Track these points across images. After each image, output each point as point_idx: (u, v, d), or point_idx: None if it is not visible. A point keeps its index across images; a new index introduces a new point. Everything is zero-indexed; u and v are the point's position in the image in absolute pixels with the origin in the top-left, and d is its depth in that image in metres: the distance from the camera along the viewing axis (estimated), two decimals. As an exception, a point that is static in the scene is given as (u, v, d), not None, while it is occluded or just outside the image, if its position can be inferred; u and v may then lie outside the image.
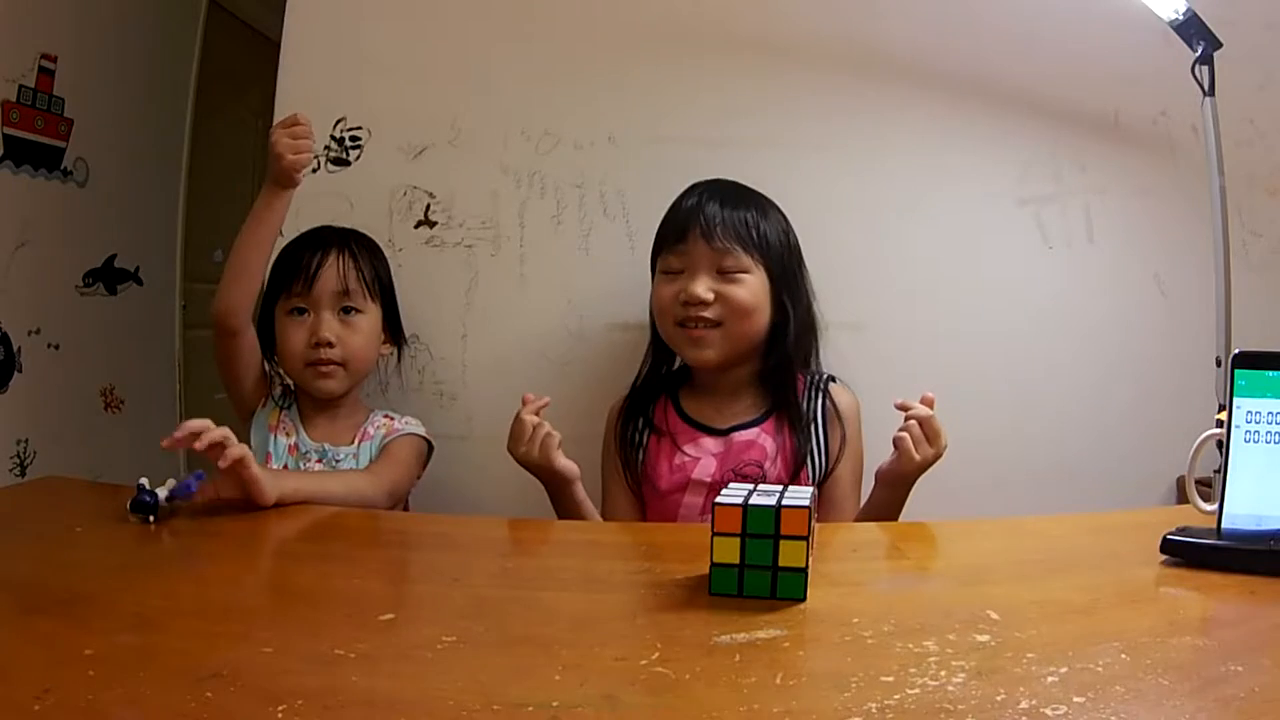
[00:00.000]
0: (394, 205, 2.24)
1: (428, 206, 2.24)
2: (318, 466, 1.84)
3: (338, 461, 1.85)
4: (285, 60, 2.27)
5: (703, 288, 1.74)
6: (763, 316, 1.79)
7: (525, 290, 2.22)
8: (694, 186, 1.86)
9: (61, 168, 3.01)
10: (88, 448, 3.10)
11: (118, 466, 3.03)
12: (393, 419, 1.96)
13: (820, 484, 1.78)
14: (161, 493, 1.37)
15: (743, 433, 1.80)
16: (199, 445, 1.40)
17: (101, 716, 0.70)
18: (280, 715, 0.69)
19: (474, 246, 2.23)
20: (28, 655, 0.81)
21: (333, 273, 1.87)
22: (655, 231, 1.88)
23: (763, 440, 1.79)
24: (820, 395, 1.85)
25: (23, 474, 2.83)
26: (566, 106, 2.22)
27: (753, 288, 1.77)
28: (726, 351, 1.78)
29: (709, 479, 1.76)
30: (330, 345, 1.84)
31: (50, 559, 1.15)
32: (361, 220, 2.18)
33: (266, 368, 1.92)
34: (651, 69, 2.22)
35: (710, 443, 1.81)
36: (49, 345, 2.99)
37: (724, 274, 1.76)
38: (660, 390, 1.91)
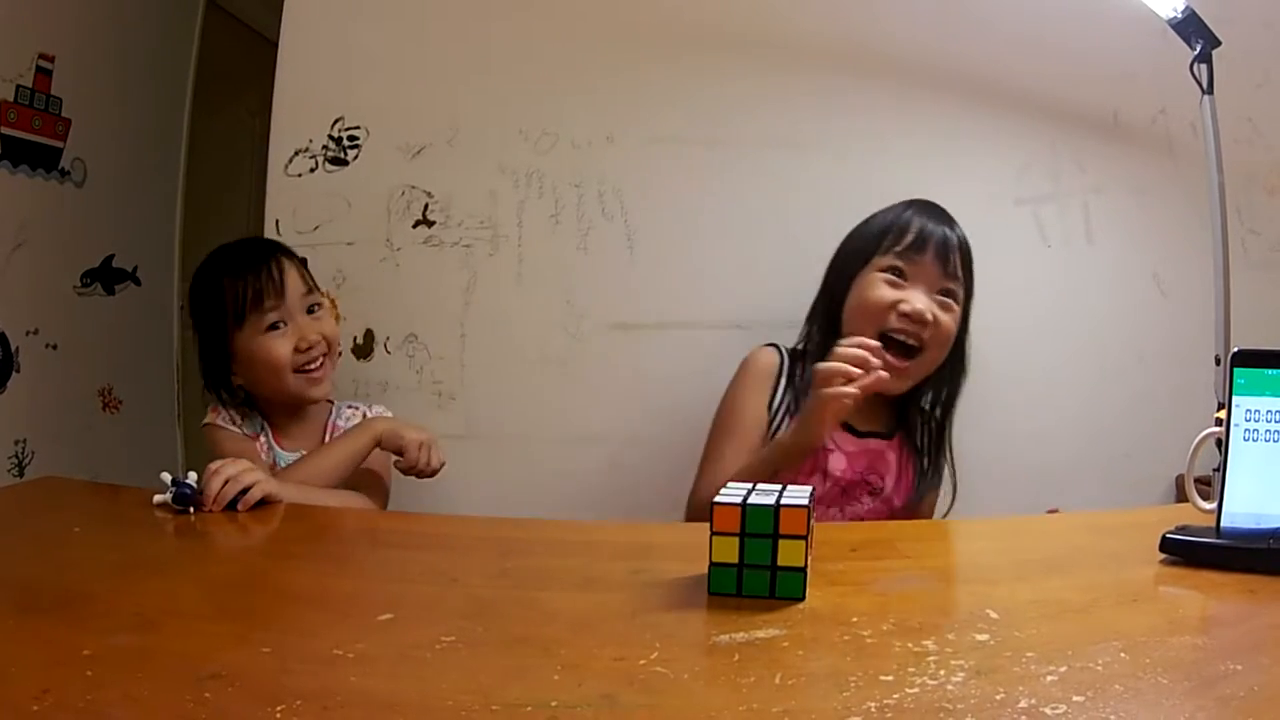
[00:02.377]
0: (392, 205, 2.24)
1: (426, 206, 2.23)
2: None
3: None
4: (283, 60, 2.27)
5: (927, 305, 1.72)
6: (949, 351, 1.80)
7: (524, 290, 2.22)
8: (915, 202, 1.85)
9: (59, 168, 3.01)
10: (86, 448, 3.09)
11: (116, 466, 3.02)
12: (358, 409, 1.99)
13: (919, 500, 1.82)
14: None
15: (876, 441, 1.81)
16: (241, 506, 1.43)
17: (100, 717, 0.70)
18: (279, 715, 0.69)
19: (472, 246, 2.23)
20: (26, 655, 0.81)
21: (294, 276, 1.87)
22: (864, 226, 1.87)
23: (890, 455, 1.81)
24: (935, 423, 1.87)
25: (21, 474, 2.83)
26: (565, 106, 2.22)
27: (956, 319, 1.78)
28: (915, 381, 1.79)
29: (839, 473, 1.76)
30: (315, 345, 1.85)
31: (48, 559, 1.15)
32: (360, 220, 2.18)
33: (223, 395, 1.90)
34: (650, 68, 2.22)
35: (847, 440, 1.79)
36: (47, 345, 2.98)
37: (942, 297, 1.76)
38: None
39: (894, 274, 1.75)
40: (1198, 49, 1.91)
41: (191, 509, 1.38)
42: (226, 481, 1.43)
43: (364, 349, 2.26)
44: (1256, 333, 1.88)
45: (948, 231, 1.77)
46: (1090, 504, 2.01)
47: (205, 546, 1.27)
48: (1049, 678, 0.75)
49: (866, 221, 1.87)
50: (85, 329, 3.15)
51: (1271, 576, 1.01)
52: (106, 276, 3.28)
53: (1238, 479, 1.10)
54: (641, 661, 0.80)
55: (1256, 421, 1.09)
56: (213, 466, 1.45)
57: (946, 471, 1.86)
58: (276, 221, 2.28)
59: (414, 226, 2.24)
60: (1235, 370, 1.10)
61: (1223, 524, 1.09)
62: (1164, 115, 2.22)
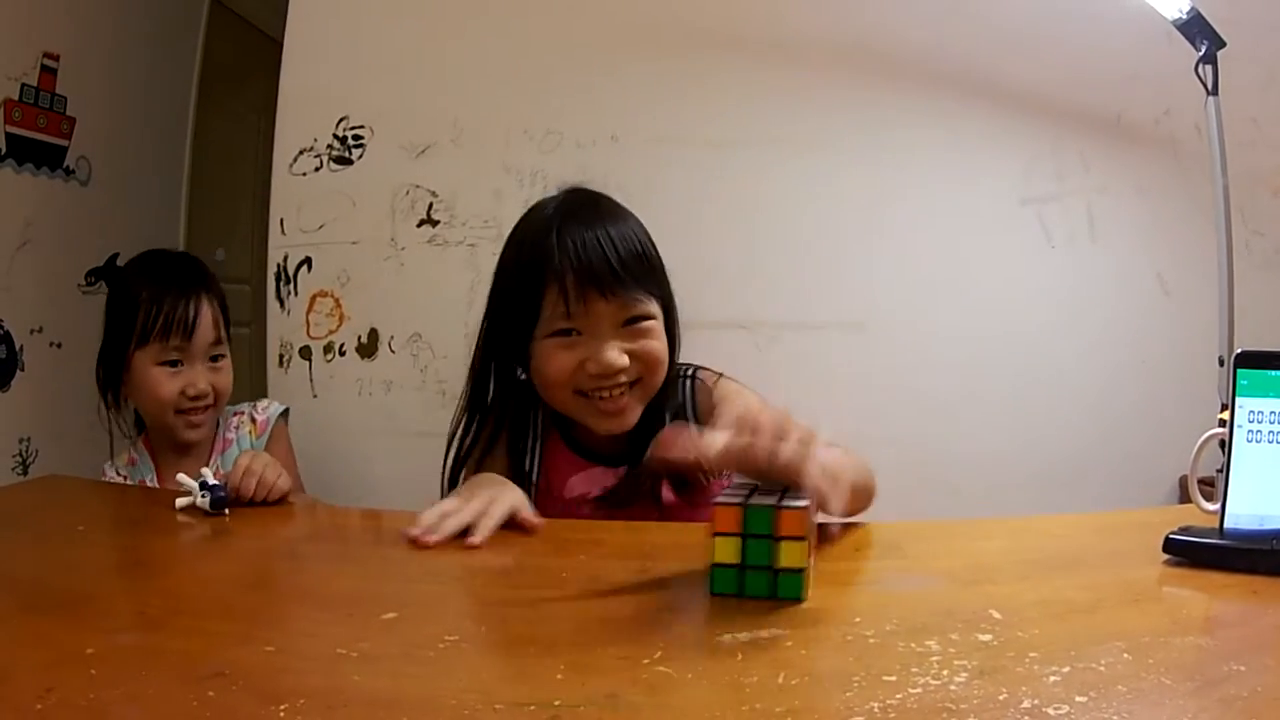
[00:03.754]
0: (396, 204, 2.24)
1: (430, 205, 2.24)
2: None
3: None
4: (288, 59, 2.27)
5: (615, 353, 1.44)
6: (668, 357, 1.53)
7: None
8: (557, 229, 1.48)
9: (64, 166, 3.02)
10: (90, 447, 3.09)
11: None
12: (244, 413, 1.98)
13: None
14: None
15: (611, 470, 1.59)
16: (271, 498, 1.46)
17: (103, 716, 0.70)
18: (282, 714, 0.69)
19: (476, 245, 2.23)
20: (29, 654, 0.81)
21: (208, 322, 1.86)
22: (504, 272, 1.57)
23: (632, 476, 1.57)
24: (688, 388, 1.61)
25: (25, 473, 2.83)
26: (569, 105, 2.23)
27: (660, 332, 1.50)
28: (642, 409, 1.52)
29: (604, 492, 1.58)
30: (206, 394, 1.85)
31: (52, 558, 1.15)
32: (364, 219, 2.18)
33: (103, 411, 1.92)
34: (654, 68, 2.22)
35: (601, 474, 1.59)
36: (51, 344, 2.99)
37: (631, 326, 1.46)
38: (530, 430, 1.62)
39: (563, 335, 1.45)
40: (1202, 50, 1.91)
41: (226, 510, 1.38)
42: (257, 482, 1.45)
43: (368, 348, 2.26)
44: (1260, 333, 1.88)
45: (605, 252, 1.43)
46: (1093, 504, 2.01)
47: (208, 546, 1.27)
48: (1052, 678, 0.75)
49: (509, 267, 1.57)
50: (89, 328, 3.14)
51: (1275, 577, 1.01)
52: (111, 275, 3.29)
53: (1241, 480, 1.10)
54: (645, 661, 0.80)
55: (1260, 423, 1.09)
56: (241, 464, 1.46)
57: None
58: (281, 220, 2.28)
59: (418, 226, 2.24)
60: (1238, 371, 1.10)
61: (1226, 525, 1.09)
62: (1168, 116, 2.22)
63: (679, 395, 1.60)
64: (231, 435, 1.93)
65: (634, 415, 1.50)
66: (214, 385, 1.86)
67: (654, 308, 1.49)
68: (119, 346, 1.87)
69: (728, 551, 0.96)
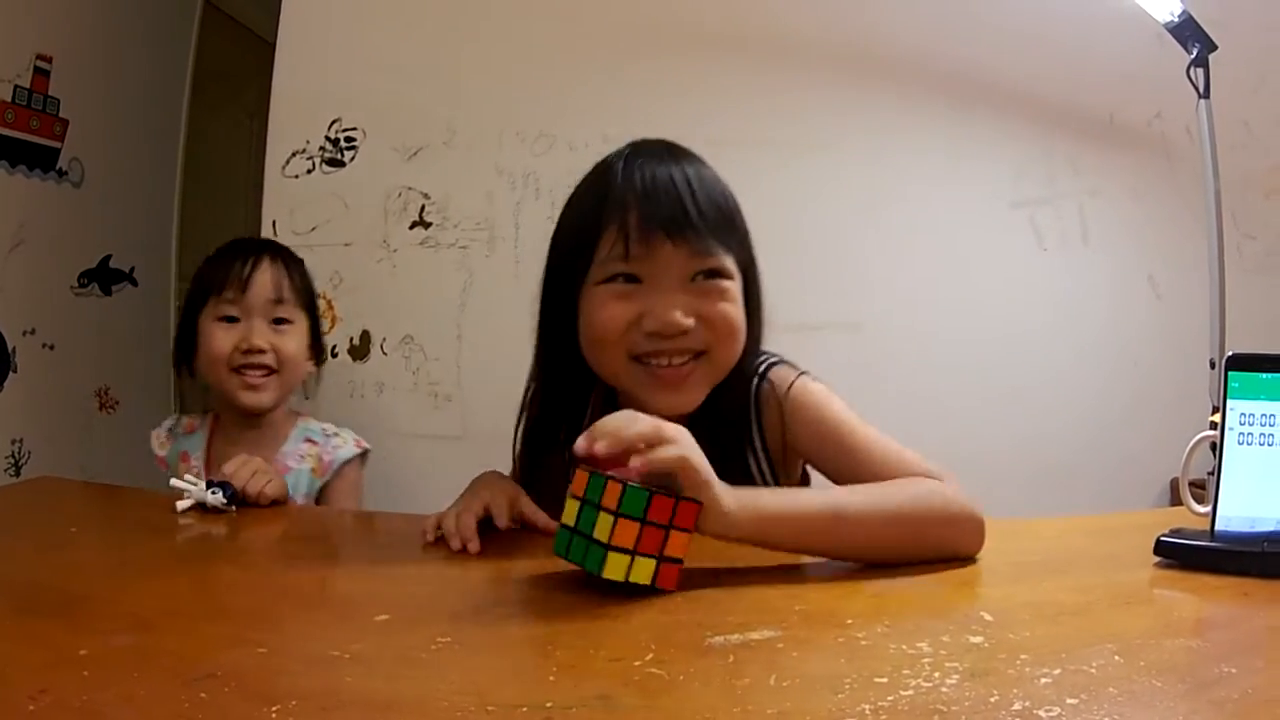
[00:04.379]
0: (389, 206, 2.24)
1: (422, 207, 2.24)
2: None
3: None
4: (280, 60, 2.27)
5: (680, 308, 1.23)
6: (744, 333, 1.30)
7: (520, 291, 2.21)
8: (627, 158, 1.30)
9: (57, 168, 3.01)
10: (83, 448, 3.09)
11: (113, 467, 3.02)
12: (317, 444, 1.88)
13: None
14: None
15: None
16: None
17: (97, 717, 0.70)
18: (274, 716, 0.69)
19: (469, 247, 2.23)
20: (23, 656, 0.81)
21: (267, 279, 1.82)
22: (568, 219, 1.37)
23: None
24: (755, 389, 1.37)
25: (17, 474, 2.83)
26: (561, 107, 2.23)
27: (737, 297, 1.28)
28: (710, 389, 1.30)
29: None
30: (263, 351, 1.79)
31: (45, 559, 1.15)
32: (356, 221, 2.18)
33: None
34: (647, 69, 2.22)
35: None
36: (44, 345, 2.98)
37: (702, 282, 1.25)
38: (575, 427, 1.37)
39: (621, 281, 1.26)
40: (1194, 53, 1.92)
41: (234, 507, 1.38)
42: (254, 473, 1.45)
43: (360, 350, 2.26)
44: (1251, 336, 1.89)
45: (677, 190, 1.24)
46: (1085, 507, 2.01)
47: (202, 547, 1.27)
48: (1043, 680, 0.75)
49: (569, 210, 1.37)
50: (82, 329, 3.15)
51: (1265, 579, 1.01)
52: (104, 277, 3.28)
53: (1232, 482, 1.10)
54: (637, 663, 0.80)
55: (1251, 425, 1.10)
56: (238, 461, 1.46)
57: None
58: (274, 222, 2.28)
59: (410, 228, 2.25)
60: (1230, 374, 1.10)
61: (1217, 527, 1.10)
62: (1160, 119, 2.23)
63: (745, 393, 1.35)
64: (293, 465, 1.83)
65: (698, 393, 1.27)
66: (275, 346, 1.80)
67: (731, 265, 1.26)
68: (190, 316, 1.84)
69: (570, 514, 1.01)
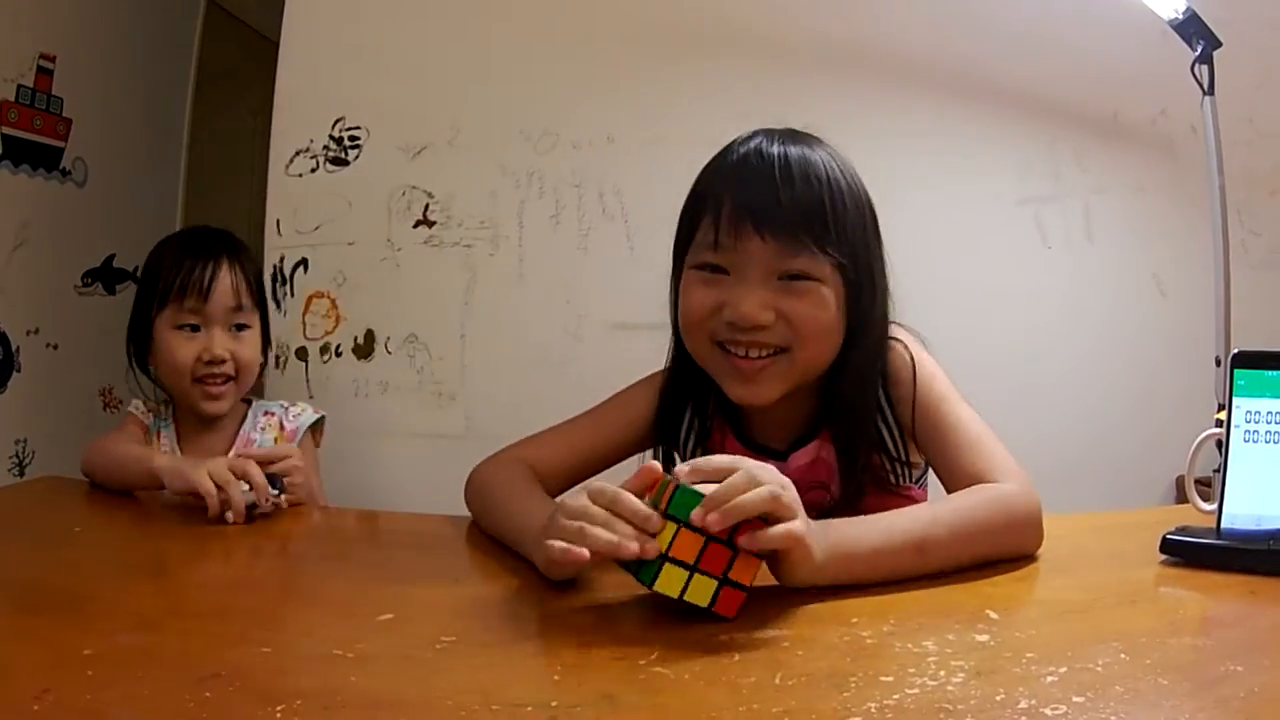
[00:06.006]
0: (393, 205, 2.24)
1: (426, 206, 2.24)
2: None
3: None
4: (284, 60, 2.27)
5: (757, 304, 1.22)
6: (838, 335, 1.28)
7: (524, 290, 2.22)
8: (749, 141, 1.29)
9: (60, 167, 3.01)
10: (86, 448, 3.09)
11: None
12: (274, 415, 1.92)
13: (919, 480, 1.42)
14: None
15: (801, 452, 1.37)
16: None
17: (101, 716, 0.70)
18: (279, 715, 0.69)
19: (473, 246, 2.23)
20: (27, 655, 0.81)
21: (227, 286, 1.81)
22: (687, 199, 1.34)
23: (825, 453, 1.36)
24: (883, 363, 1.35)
25: (21, 474, 2.83)
26: (565, 106, 2.23)
27: (825, 301, 1.24)
28: (790, 387, 1.28)
29: None
30: (223, 362, 1.79)
31: (49, 559, 1.15)
32: (360, 220, 2.18)
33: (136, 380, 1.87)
34: (651, 68, 2.22)
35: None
36: (48, 345, 2.99)
37: (791, 280, 1.23)
38: (701, 404, 1.41)
39: (709, 270, 1.27)
40: (1199, 50, 1.91)
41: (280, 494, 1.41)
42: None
43: (364, 349, 2.26)
44: (1257, 334, 1.88)
45: (777, 184, 1.22)
46: (1090, 505, 2.01)
47: (205, 547, 1.27)
48: (1049, 678, 0.75)
49: (690, 193, 1.35)
50: (86, 329, 3.15)
51: (1271, 577, 1.01)
52: (107, 276, 3.29)
53: (1238, 480, 1.10)
54: (641, 662, 0.80)
55: (1257, 423, 1.09)
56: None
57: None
58: (278, 221, 2.28)
59: (414, 226, 2.24)
60: (1235, 371, 1.10)
61: (1223, 525, 1.09)
62: (1164, 116, 2.22)
63: (872, 374, 1.33)
64: (256, 436, 1.87)
65: (774, 388, 1.26)
66: (234, 354, 1.80)
67: (823, 269, 1.23)
68: (144, 313, 1.83)
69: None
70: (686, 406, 1.42)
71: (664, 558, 0.89)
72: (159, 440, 1.83)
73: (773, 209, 1.21)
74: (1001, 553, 1.10)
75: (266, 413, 1.92)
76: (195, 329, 1.80)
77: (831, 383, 1.32)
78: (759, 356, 1.25)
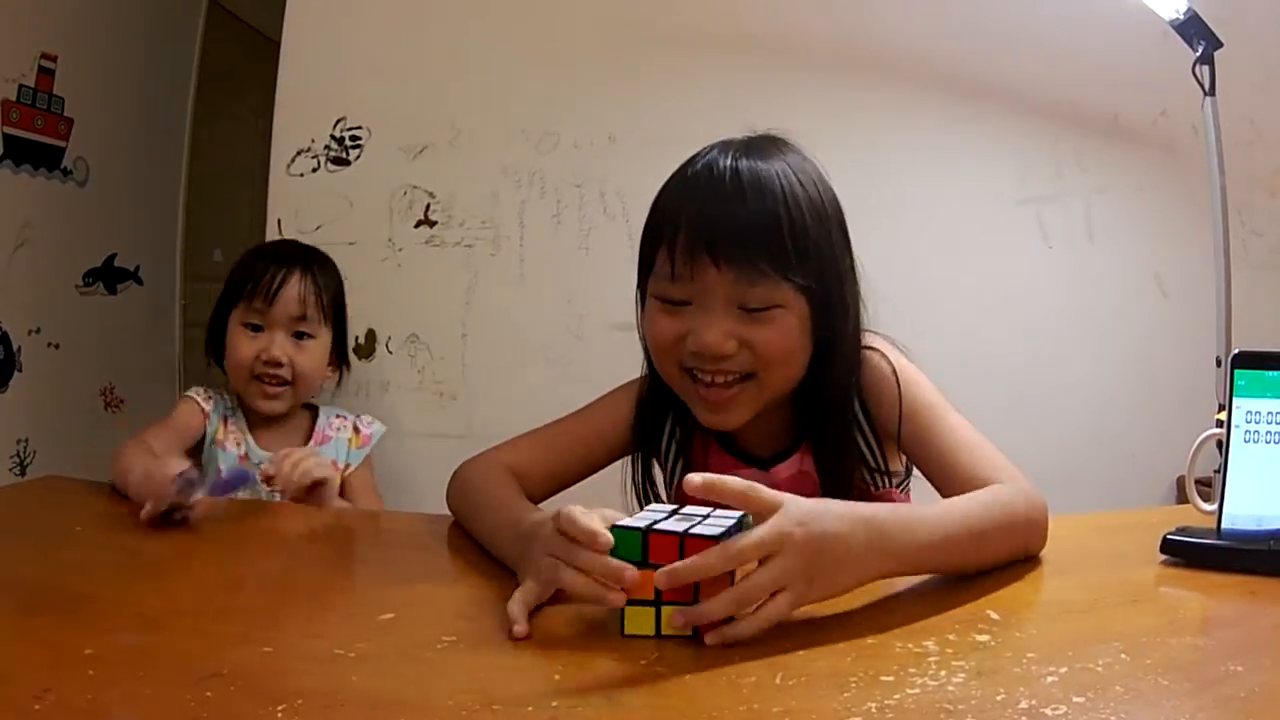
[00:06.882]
0: (394, 205, 2.24)
1: (428, 206, 2.24)
2: None
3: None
4: (285, 59, 2.27)
5: (719, 334, 1.20)
6: (805, 355, 1.27)
7: (525, 290, 2.22)
8: (710, 147, 1.29)
9: (62, 167, 3.01)
10: (87, 447, 3.10)
11: (118, 466, 3.03)
12: (346, 419, 2.00)
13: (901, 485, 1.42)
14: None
15: (785, 464, 1.37)
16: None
17: (102, 716, 0.70)
18: (280, 715, 0.69)
19: (474, 246, 2.23)
20: (28, 655, 0.81)
21: (293, 294, 1.88)
22: (647, 218, 1.31)
23: (808, 466, 1.36)
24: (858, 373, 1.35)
25: (22, 473, 2.83)
26: (567, 106, 2.23)
27: (789, 326, 1.23)
28: (760, 409, 1.28)
29: None
30: (279, 365, 1.86)
31: (50, 559, 1.15)
32: (361, 220, 2.18)
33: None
34: (652, 69, 2.22)
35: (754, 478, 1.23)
36: (49, 344, 2.99)
37: (751, 311, 1.21)
38: (682, 413, 1.38)
39: (668, 304, 1.25)
40: (1199, 50, 1.91)
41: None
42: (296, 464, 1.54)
43: (365, 349, 2.27)
44: (1258, 333, 1.89)
45: (732, 210, 1.20)
46: (1091, 505, 2.01)
47: (206, 547, 1.27)
48: (1049, 678, 0.75)
49: (651, 210, 1.32)
50: (87, 328, 3.15)
51: (1272, 577, 1.01)
52: (109, 276, 3.29)
53: (1238, 480, 1.10)
54: (642, 662, 0.80)
55: (1257, 423, 1.09)
56: (279, 457, 1.56)
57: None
58: (279, 221, 2.28)
59: (416, 226, 2.25)
60: (1236, 372, 1.10)
61: (1223, 525, 1.09)
62: (1165, 116, 2.22)
63: (847, 384, 1.33)
64: (331, 434, 1.96)
65: (742, 414, 1.26)
66: (293, 360, 1.87)
67: (785, 294, 1.21)
68: (223, 309, 1.92)
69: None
70: (667, 416, 1.42)
71: (628, 603, 0.86)
72: (226, 426, 1.89)
73: (727, 236, 1.19)
74: (1014, 554, 1.09)
75: (338, 415, 2.00)
76: (259, 329, 1.88)
77: (807, 397, 1.31)
78: (725, 384, 1.24)
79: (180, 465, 1.32)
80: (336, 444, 1.95)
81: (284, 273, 1.88)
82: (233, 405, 1.92)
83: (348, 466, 1.93)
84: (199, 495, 1.28)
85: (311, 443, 1.92)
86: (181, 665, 0.79)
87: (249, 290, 1.87)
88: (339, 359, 2.01)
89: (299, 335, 1.89)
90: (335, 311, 1.98)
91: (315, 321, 1.91)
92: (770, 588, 0.85)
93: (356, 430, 1.99)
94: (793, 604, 0.86)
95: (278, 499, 1.59)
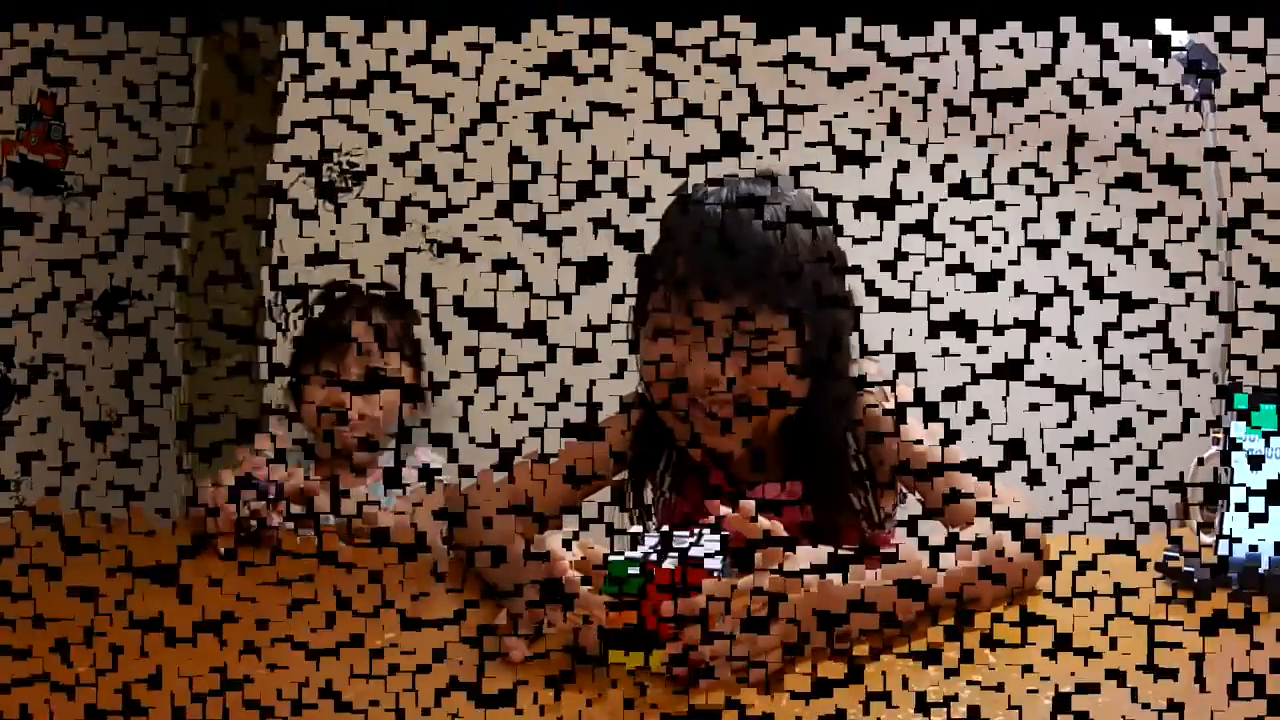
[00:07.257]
0: (394, 233, 2.25)
1: (424, 229, 2.25)
2: None
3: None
4: (283, 91, 2.29)
5: (713, 369, 1.22)
6: (799, 389, 1.28)
7: (521, 302, 2.23)
8: (690, 198, 1.32)
9: (62, 190, 3.02)
10: (83, 472, 3.09)
11: (114, 492, 3.03)
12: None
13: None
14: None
15: (773, 489, 1.34)
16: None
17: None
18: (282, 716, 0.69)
19: (475, 261, 2.24)
20: (23, 667, 0.81)
21: (361, 344, 1.82)
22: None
23: (799, 494, 1.34)
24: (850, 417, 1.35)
25: (19, 499, 2.83)
26: (568, 130, 2.24)
27: (781, 359, 1.25)
28: (753, 436, 1.28)
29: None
30: (346, 422, 1.79)
31: (44, 580, 1.15)
32: (361, 248, 2.19)
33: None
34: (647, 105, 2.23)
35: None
36: (45, 369, 2.99)
37: (744, 341, 1.24)
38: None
39: (663, 335, 1.26)
40: (1203, 70, 1.92)
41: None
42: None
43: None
44: (1257, 350, 1.89)
45: (726, 241, 1.24)
46: (1085, 526, 2.01)
47: (204, 557, 1.27)
48: (1045, 699, 0.75)
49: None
50: (85, 354, 3.16)
51: (1269, 598, 1.01)
52: (106, 300, 3.29)
53: (1237, 504, 1.10)
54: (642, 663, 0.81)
55: (1257, 445, 1.09)
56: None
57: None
58: (280, 241, 2.29)
59: (417, 253, 2.25)
60: (1236, 395, 1.10)
61: (1222, 549, 1.09)
62: (1169, 138, 2.23)
63: (840, 425, 1.33)
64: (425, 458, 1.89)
65: (735, 443, 1.26)
66: (361, 411, 1.81)
67: (780, 321, 1.23)
68: (298, 360, 1.85)
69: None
70: (665, 444, 1.40)
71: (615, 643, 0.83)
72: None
73: (722, 270, 1.21)
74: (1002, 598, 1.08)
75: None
76: (331, 376, 1.80)
77: (800, 429, 1.32)
78: (726, 406, 1.24)
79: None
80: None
81: (349, 323, 1.83)
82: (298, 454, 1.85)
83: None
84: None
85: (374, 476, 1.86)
86: (182, 668, 0.79)
87: (318, 343, 1.81)
88: (413, 397, 1.92)
89: (371, 388, 1.84)
90: (411, 352, 1.91)
91: (385, 369, 1.86)
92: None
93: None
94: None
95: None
